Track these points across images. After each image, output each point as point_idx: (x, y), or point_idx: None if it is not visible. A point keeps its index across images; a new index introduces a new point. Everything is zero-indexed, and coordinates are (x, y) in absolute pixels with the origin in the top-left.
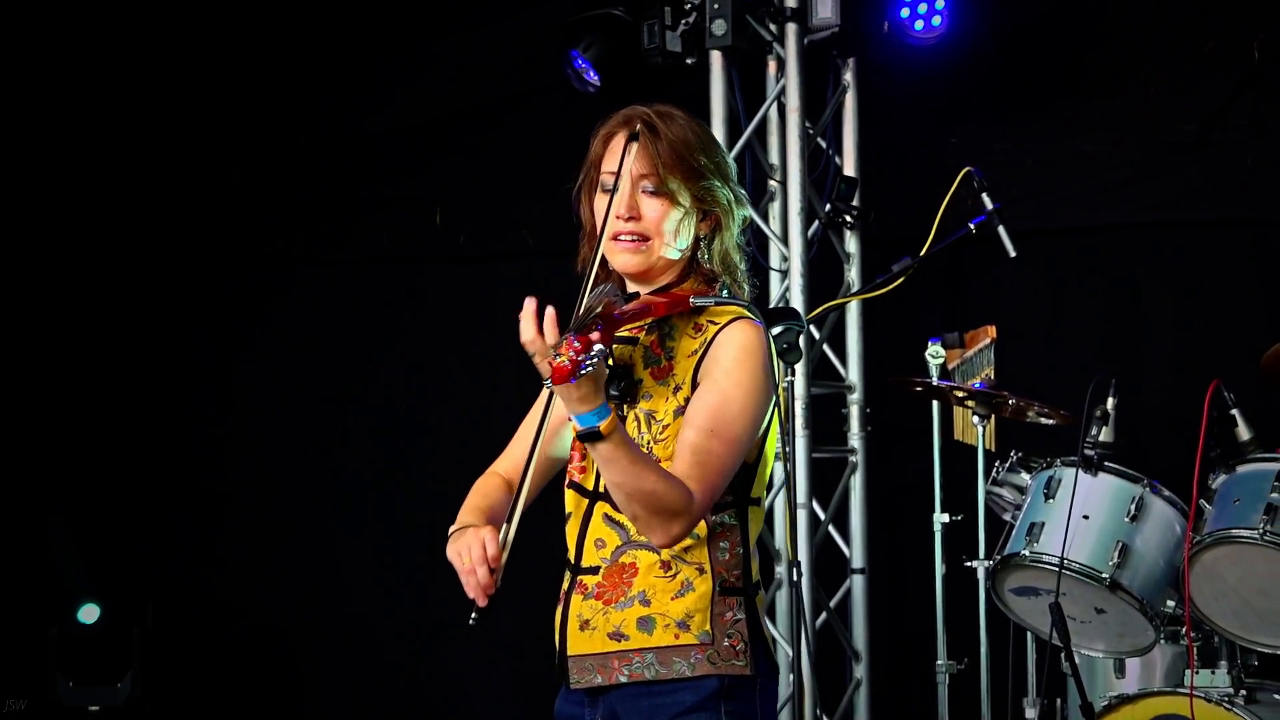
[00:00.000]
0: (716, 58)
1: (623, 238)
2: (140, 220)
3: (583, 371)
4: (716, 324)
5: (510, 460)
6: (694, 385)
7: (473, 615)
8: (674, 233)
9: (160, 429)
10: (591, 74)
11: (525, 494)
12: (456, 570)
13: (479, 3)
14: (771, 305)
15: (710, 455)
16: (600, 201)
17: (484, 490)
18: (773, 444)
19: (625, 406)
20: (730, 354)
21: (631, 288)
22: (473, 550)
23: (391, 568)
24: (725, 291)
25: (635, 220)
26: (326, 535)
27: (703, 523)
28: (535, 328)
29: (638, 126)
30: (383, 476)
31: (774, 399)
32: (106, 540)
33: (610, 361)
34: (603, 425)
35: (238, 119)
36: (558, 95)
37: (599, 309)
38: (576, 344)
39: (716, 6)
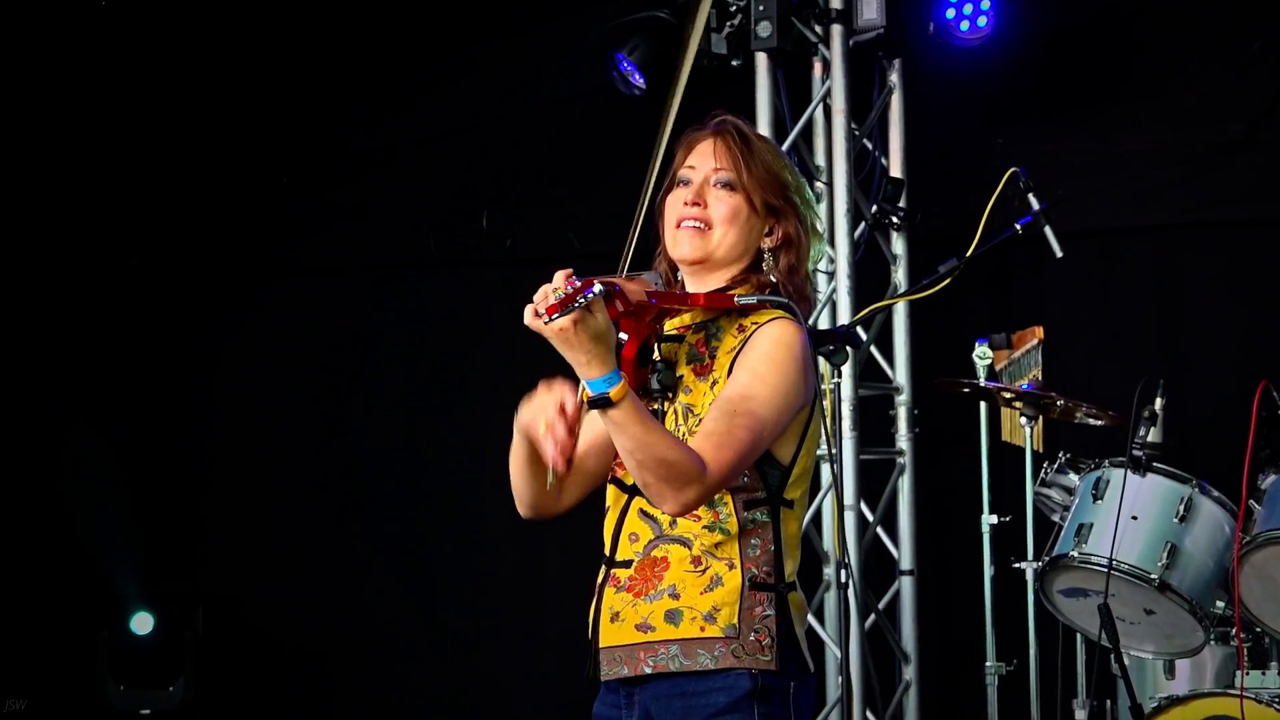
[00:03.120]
0: (762, 60)
1: (685, 224)
2: (189, 228)
3: (576, 305)
4: (759, 324)
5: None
6: (728, 376)
7: (549, 478)
8: (737, 228)
9: (208, 438)
10: (637, 77)
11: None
12: (533, 438)
13: (525, 7)
14: (819, 307)
15: (729, 432)
16: (674, 198)
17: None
18: (812, 448)
19: (665, 402)
20: (764, 346)
21: (688, 287)
22: (547, 407)
23: (434, 571)
24: (776, 296)
25: (700, 207)
26: (371, 540)
27: (734, 519)
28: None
29: (720, 124)
30: (438, 483)
31: (815, 404)
32: (158, 547)
33: (657, 356)
34: (613, 391)
35: (286, 125)
36: (603, 98)
37: (627, 281)
38: (577, 281)
39: (761, 8)
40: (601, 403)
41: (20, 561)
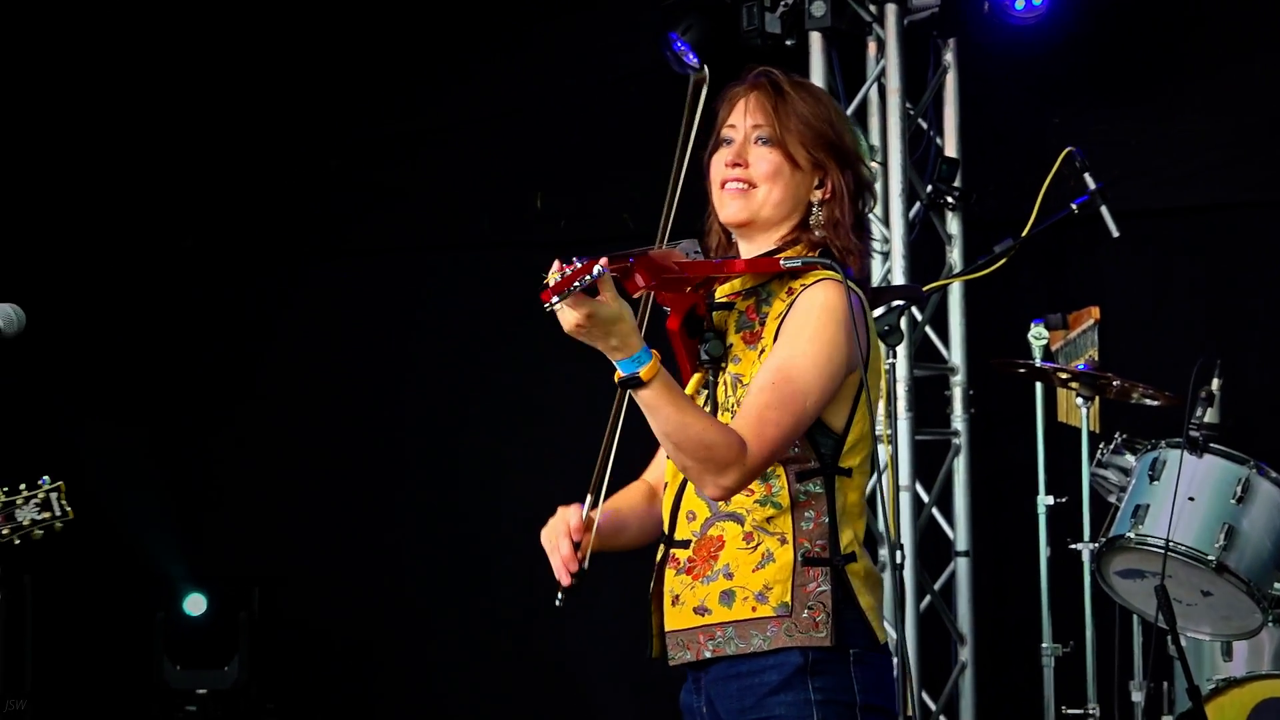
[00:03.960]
0: (816, 39)
1: (729, 185)
2: (243, 209)
3: (573, 289)
4: (806, 286)
5: (657, 466)
6: (774, 343)
7: (558, 596)
8: (780, 185)
9: (261, 420)
10: (691, 56)
11: (607, 466)
12: (547, 552)
13: None
14: (874, 286)
15: (769, 410)
16: (716, 158)
17: (626, 492)
18: (865, 414)
19: (718, 371)
20: (804, 312)
21: (741, 249)
22: (555, 526)
23: (488, 551)
24: (826, 258)
25: (742, 167)
26: (425, 520)
27: (786, 491)
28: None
29: (757, 78)
30: (493, 462)
31: (869, 364)
32: (211, 528)
33: (707, 326)
34: (642, 371)
35: (340, 106)
36: (656, 78)
37: (647, 251)
38: (578, 264)
39: None
40: (632, 383)
41: (75, 543)
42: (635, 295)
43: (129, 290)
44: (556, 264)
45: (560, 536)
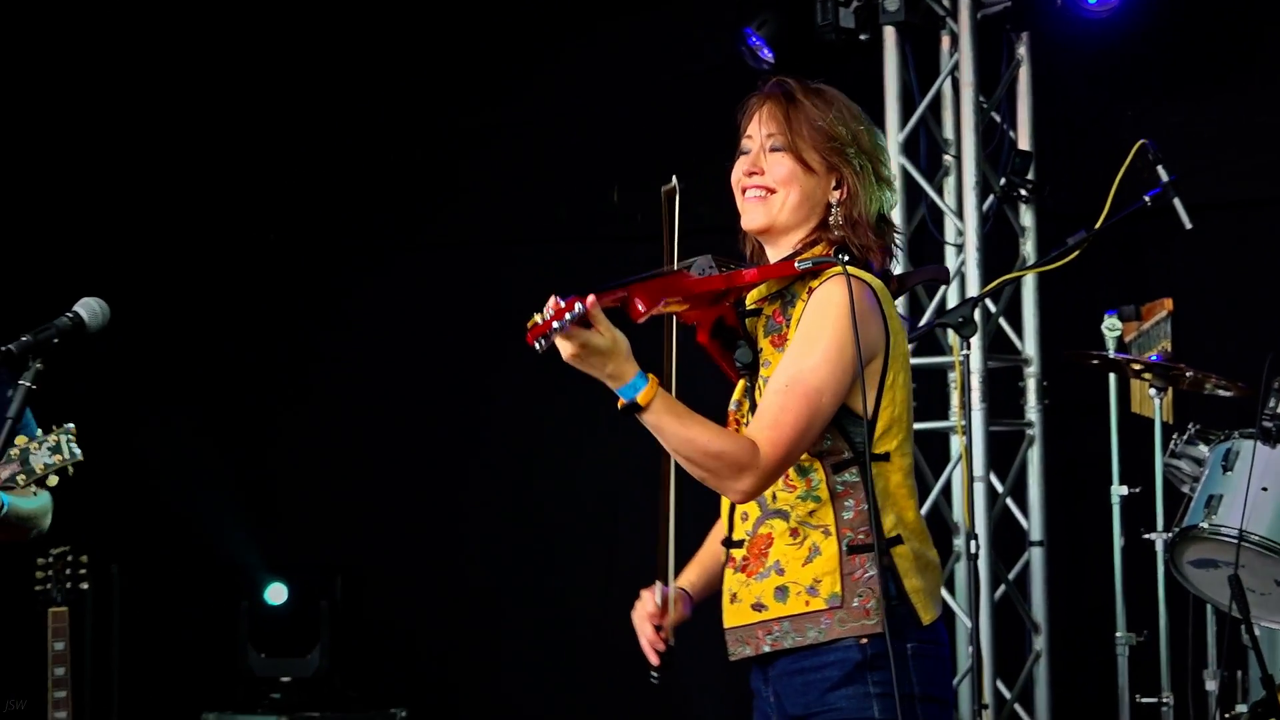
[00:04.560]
0: (890, 34)
1: (748, 192)
2: (325, 204)
3: (550, 333)
4: (819, 282)
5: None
6: None
7: (652, 674)
8: (796, 190)
9: (340, 412)
10: (765, 51)
11: (671, 543)
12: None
13: None
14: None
15: (781, 412)
16: (736, 165)
17: (710, 539)
18: (896, 397)
19: (754, 378)
20: (813, 311)
21: (767, 254)
22: (640, 611)
23: (567, 543)
24: (845, 257)
25: (759, 175)
26: (503, 511)
27: (824, 485)
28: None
29: (769, 88)
30: (568, 452)
31: (889, 350)
32: (294, 520)
33: (740, 335)
34: (639, 396)
35: (419, 101)
36: (731, 73)
37: (650, 276)
38: (562, 304)
39: None
40: (632, 409)
41: (162, 534)
42: (640, 321)
43: (214, 286)
44: (552, 301)
45: (641, 621)
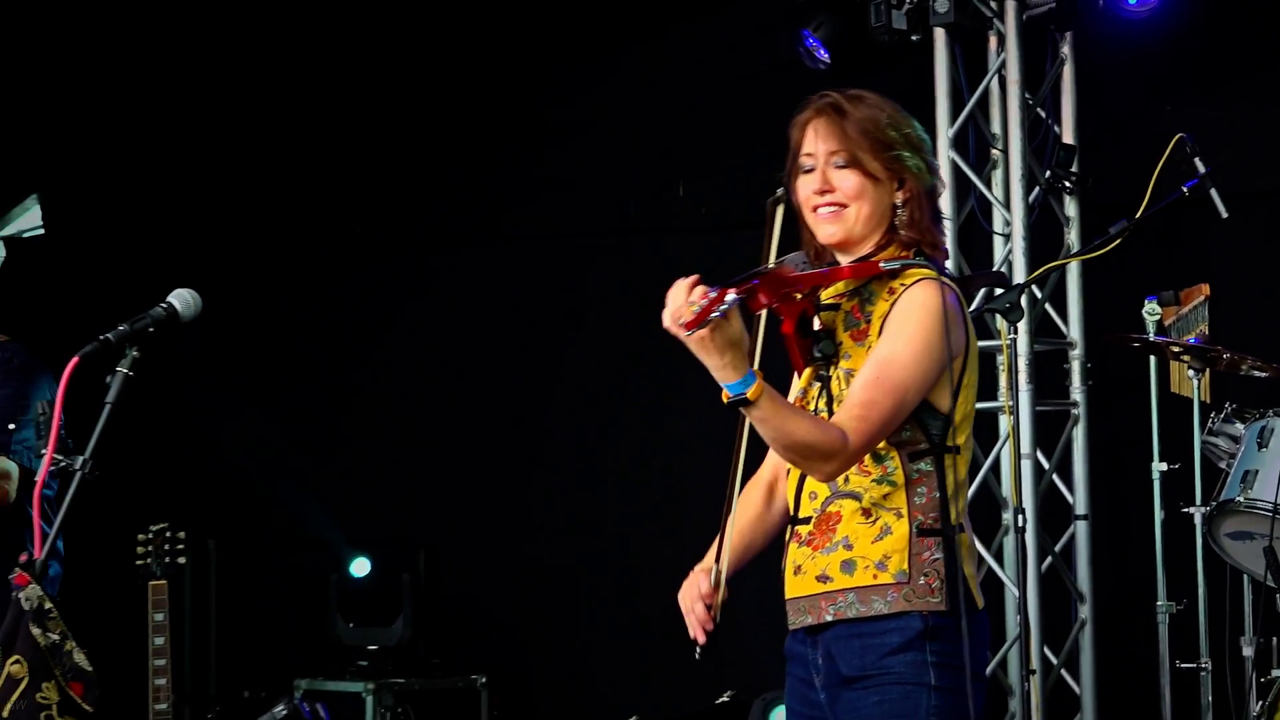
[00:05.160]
0: (940, 34)
1: (821, 210)
2: (407, 198)
3: (711, 318)
4: (905, 285)
5: (772, 462)
6: (879, 339)
7: (697, 651)
8: (868, 201)
9: (423, 399)
10: (822, 52)
11: (732, 524)
12: (683, 612)
13: None
14: (996, 267)
15: (870, 404)
16: (801, 184)
17: (743, 504)
18: (971, 395)
19: (830, 367)
20: (905, 310)
21: (837, 255)
22: (689, 590)
23: (641, 521)
24: (920, 257)
25: (830, 192)
26: (578, 489)
27: (900, 471)
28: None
29: (818, 103)
30: (639, 434)
31: (969, 351)
32: (379, 498)
33: (816, 326)
34: (749, 392)
35: (495, 99)
36: (789, 73)
37: (766, 270)
38: (713, 294)
39: None
40: (740, 403)
41: (255, 510)
42: (758, 311)
43: (304, 276)
44: (693, 289)
45: (694, 601)
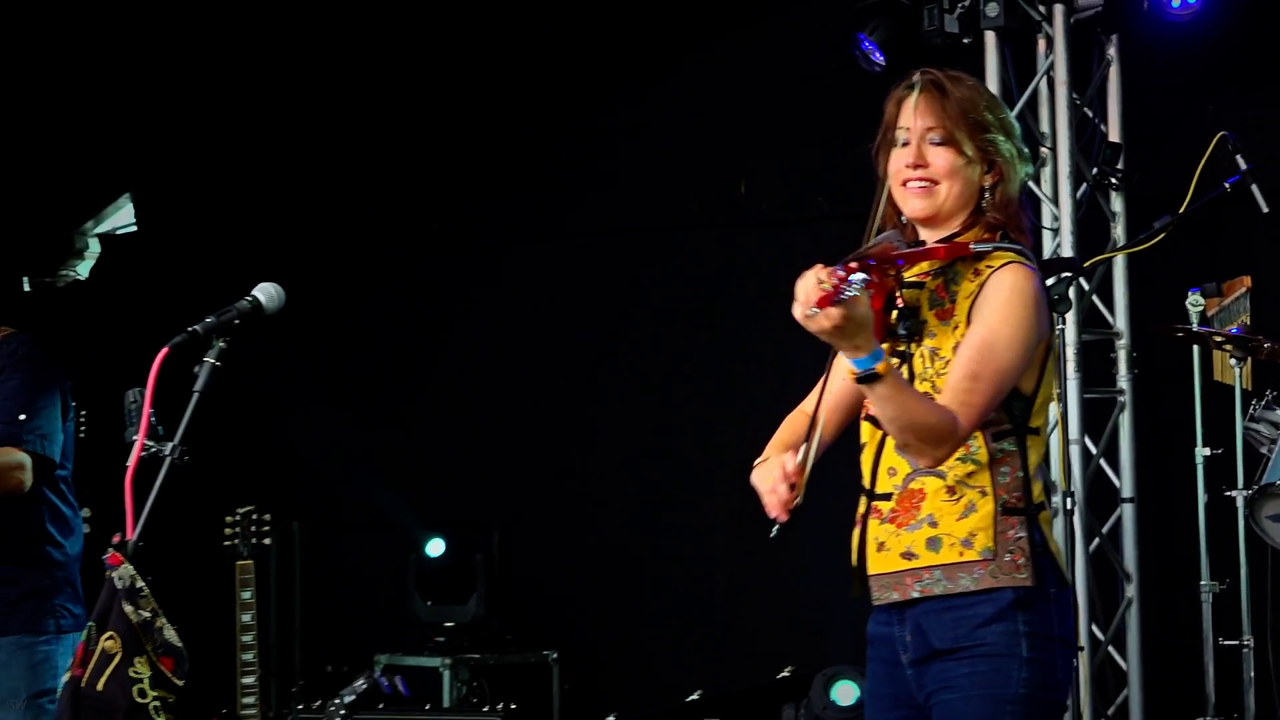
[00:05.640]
0: (990, 37)
1: (911, 184)
2: (477, 195)
3: (844, 296)
4: (993, 268)
5: (814, 396)
6: (968, 321)
7: (774, 529)
8: (959, 180)
9: (493, 388)
10: (877, 55)
11: (822, 416)
12: (760, 494)
13: None
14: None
15: (974, 387)
16: (893, 157)
17: (791, 425)
18: (1051, 378)
19: (913, 344)
20: (1000, 294)
21: (921, 236)
22: (772, 471)
23: (704, 504)
24: (1006, 239)
25: (923, 168)
26: (643, 472)
27: (984, 450)
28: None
29: (921, 80)
30: (701, 418)
31: (1051, 335)
32: (454, 482)
33: (900, 303)
34: (879, 367)
35: (564, 99)
36: (847, 75)
37: (874, 248)
38: (840, 272)
39: None
40: (869, 378)
41: (338, 494)
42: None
43: (382, 271)
44: (827, 271)
45: (779, 481)
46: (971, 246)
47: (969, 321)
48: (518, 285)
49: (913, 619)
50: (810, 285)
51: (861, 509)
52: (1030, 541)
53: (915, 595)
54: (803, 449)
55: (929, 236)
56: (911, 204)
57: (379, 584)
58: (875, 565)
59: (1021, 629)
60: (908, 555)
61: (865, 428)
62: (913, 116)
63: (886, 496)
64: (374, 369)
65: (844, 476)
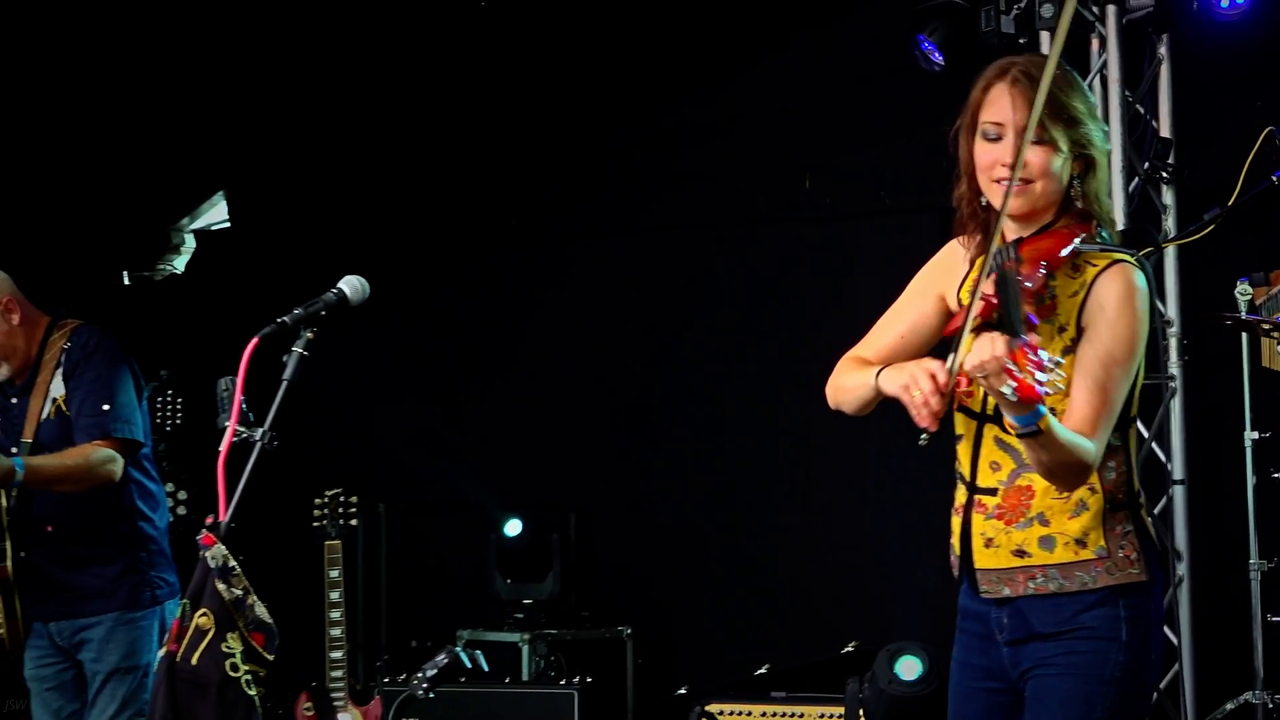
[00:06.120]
0: (1045, 37)
1: (1004, 182)
2: (555, 193)
3: (1046, 391)
4: (1095, 266)
5: (872, 349)
6: (1078, 326)
7: (923, 437)
8: (1053, 177)
9: (569, 376)
10: (936, 55)
11: (965, 336)
12: (904, 402)
13: None
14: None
15: (1104, 406)
16: (981, 148)
17: (849, 368)
18: (1143, 367)
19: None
20: (1113, 302)
21: (1008, 225)
22: (921, 383)
23: (769, 486)
24: (1102, 231)
25: (1019, 167)
26: (712, 457)
27: None
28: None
29: (1015, 73)
30: (768, 406)
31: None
32: (532, 466)
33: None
34: (1041, 423)
35: (637, 103)
36: (906, 74)
37: (1021, 297)
38: (1033, 359)
39: None
40: (1031, 434)
41: (421, 477)
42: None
43: (464, 264)
44: (1018, 353)
45: (931, 394)
46: (1079, 248)
47: (1079, 325)
48: (592, 277)
49: (1014, 604)
50: (989, 355)
51: (961, 499)
52: (1138, 535)
53: (1029, 592)
54: (950, 359)
55: (1014, 226)
56: (1006, 202)
57: (460, 563)
58: (983, 560)
59: (1123, 614)
60: (1019, 553)
61: (959, 419)
62: (1006, 111)
63: (991, 491)
64: (456, 359)
65: (907, 462)
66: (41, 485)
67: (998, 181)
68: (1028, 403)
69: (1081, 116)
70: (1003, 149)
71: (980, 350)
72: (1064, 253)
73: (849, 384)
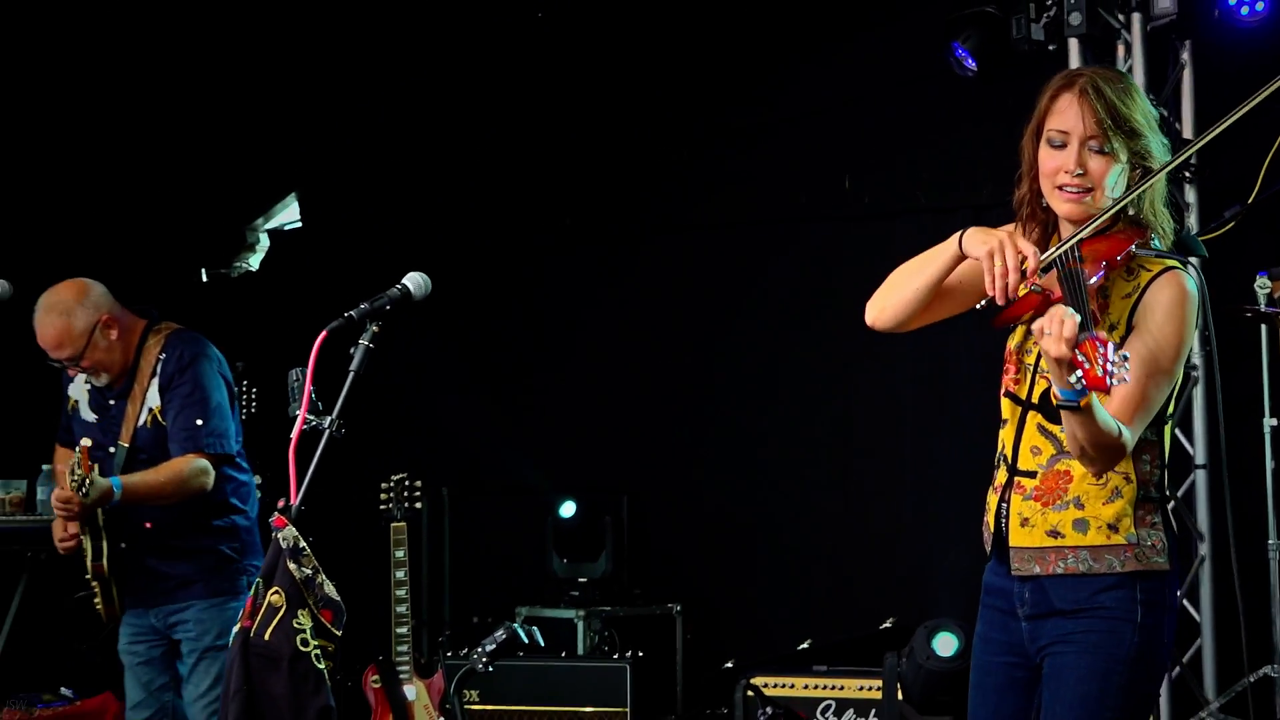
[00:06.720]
0: (1073, 44)
1: (1068, 189)
2: (607, 193)
3: (1112, 383)
4: (1149, 270)
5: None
6: (1129, 326)
7: (982, 303)
8: (1113, 185)
9: (622, 367)
10: (970, 61)
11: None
12: (984, 267)
13: (876, 6)
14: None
15: (1143, 400)
16: (1046, 154)
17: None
18: (1183, 366)
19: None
20: (1164, 305)
21: (1064, 224)
22: (1008, 254)
23: (808, 470)
24: (1155, 240)
25: (1081, 176)
26: (758, 443)
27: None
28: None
29: (1082, 83)
30: (811, 395)
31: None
32: (585, 451)
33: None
34: (1083, 400)
35: (685, 105)
36: (941, 80)
37: (1088, 295)
38: (1102, 351)
39: (1073, 1)
40: (1070, 407)
41: (482, 462)
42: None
43: (521, 260)
44: (1088, 345)
45: (1013, 271)
46: (1133, 249)
47: (1129, 325)
48: (643, 272)
49: (1039, 580)
50: (1062, 323)
51: (1001, 479)
52: (1165, 527)
53: (1059, 572)
54: (1034, 255)
55: (1068, 226)
56: (1066, 208)
57: (518, 543)
58: (1018, 539)
59: (1139, 596)
60: (1053, 534)
61: (1005, 404)
62: (1074, 120)
63: (1031, 474)
64: (515, 351)
65: (941, 449)
66: (138, 502)
67: (1060, 188)
68: (1094, 390)
69: (1142, 129)
70: (1066, 156)
71: (1054, 314)
72: (1120, 256)
73: (908, 270)
